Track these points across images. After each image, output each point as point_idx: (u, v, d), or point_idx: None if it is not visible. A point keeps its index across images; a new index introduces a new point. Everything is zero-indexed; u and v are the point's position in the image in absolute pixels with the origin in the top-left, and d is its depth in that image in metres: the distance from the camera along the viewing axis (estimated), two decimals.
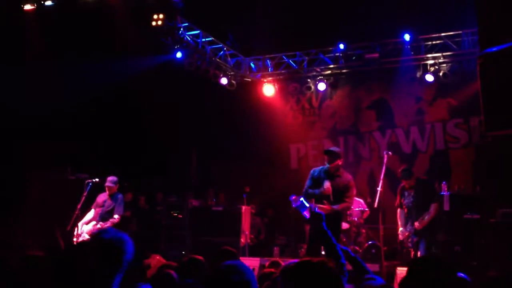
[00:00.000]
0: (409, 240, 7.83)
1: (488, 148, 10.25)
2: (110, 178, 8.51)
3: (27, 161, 10.56)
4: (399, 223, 8.06)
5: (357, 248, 9.57)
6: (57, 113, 11.02)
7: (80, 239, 8.14)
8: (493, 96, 5.36)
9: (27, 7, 9.78)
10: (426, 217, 7.62)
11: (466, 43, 10.62)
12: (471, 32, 10.38)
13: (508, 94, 5.15)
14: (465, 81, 10.83)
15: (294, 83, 13.10)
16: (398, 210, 8.12)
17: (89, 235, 8.01)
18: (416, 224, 7.65)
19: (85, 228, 8.27)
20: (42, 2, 9.60)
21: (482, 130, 9.26)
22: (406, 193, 7.97)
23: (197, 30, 11.30)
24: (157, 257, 7.36)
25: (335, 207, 6.90)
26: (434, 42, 11.00)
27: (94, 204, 8.52)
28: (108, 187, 8.45)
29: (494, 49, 5.60)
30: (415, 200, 7.82)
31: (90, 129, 11.61)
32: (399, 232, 8.01)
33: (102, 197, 8.50)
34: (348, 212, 10.03)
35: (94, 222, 8.31)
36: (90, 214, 8.44)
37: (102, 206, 8.39)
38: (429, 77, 11.07)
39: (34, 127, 10.74)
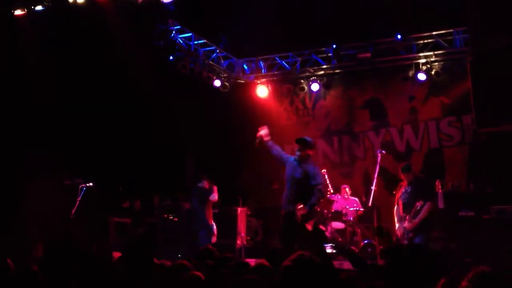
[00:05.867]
0: (405, 236, 7.86)
1: (482, 146, 10.29)
2: None
3: (22, 166, 10.52)
4: (396, 218, 8.18)
5: (353, 247, 9.58)
6: (51, 117, 11.00)
7: None
8: (483, 94, 5.40)
9: (18, 12, 9.76)
10: (416, 219, 7.66)
11: (458, 42, 10.65)
12: (462, 30, 10.42)
13: (498, 92, 5.19)
14: (457, 79, 10.85)
15: (287, 84, 13.12)
16: (395, 207, 8.22)
17: None
18: (407, 224, 7.74)
19: None
20: (33, 7, 9.58)
21: (475, 128, 9.30)
22: (403, 190, 8.05)
23: (189, 32, 11.31)
24: None
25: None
26: (425, 41, 11.03)
27: None
28: None
29: (484, 47, 5.64)
30: (410, 197, 7.89)
31: (83, 133, 11.58)
32: (396, 228, 8.10)
33: None
34: (344, 211, 10.06)
35: None
36: None
37: None
38: (422, 76, 11.09)
39: (28, 132, 10.70)
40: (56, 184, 10.07)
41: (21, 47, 10.22)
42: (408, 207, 7.92)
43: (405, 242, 7.93)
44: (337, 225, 10.06)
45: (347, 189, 10.57)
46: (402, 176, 8.13)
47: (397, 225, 8.07)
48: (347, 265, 6.66)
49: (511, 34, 5.16)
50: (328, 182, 9.95)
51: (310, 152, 7.33)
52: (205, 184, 9.90)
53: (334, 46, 11.55)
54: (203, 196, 9.75)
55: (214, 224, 9.75)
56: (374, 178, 8.36)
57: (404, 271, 2.78)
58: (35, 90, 10.58)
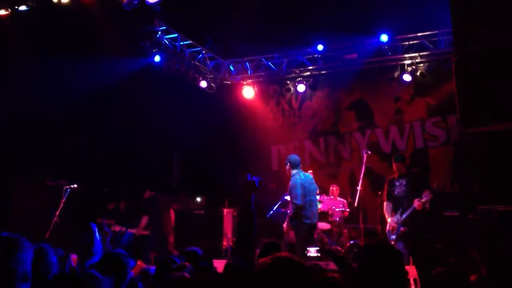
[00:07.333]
0: (394, 232, 7.80)
1: (467, 146, 10.38)
2: None
3: (7, 167, 10.41)
4: (386, 215, 8.06)
5: (339, 248, 9.59)
6: (37, 118, 10.88)
7: None
8: (468, 94, 5.43)
9: (1, 12, 9.66)
10: (424, 199, 7.56)
11: (443, 43, 10.75)
12: (446, 32, 10.50)
13: (482, 92, 5.23)
14: (442, 80, 10.95)
15: (273, 85, 13.12)
16: (385, 203, 8.10)
17: None
18: (417, 203, 7.57)
19: None
20: (16, 7, 9.49)
21: (460, 128, 9.36)
22: (397, 183, 7.95)
23: (175, 33, 11.27)
24: (138, 262, 7.29)
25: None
26: (411, 42, 11.11)
27: None
28: None
29: (468, 48, 5.68)
30: (408, 189, 7.82)
31: (69, 134, 11.48)
32: (389, 222, 7.97)
33: None
34: (330, 212, 10.08)
35: None
36: None
37: None
38: (407, 77, 11.17)
39: (12, 132, 10.59)
40: (38, 185, 9.97)
41: (4, 47, 10.10)
42: (403, 200, 7.84)
43: (392, 237, 7.84)
44: (323, 225, 10.07)
45: (334, 189, 10.56)
46: (395, 167, 8.03)
47: (389, 219, 7.96)
48: (332, 265, 6.67)
49: (496, 33, 5.21)
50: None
51: (286, 167, 7.80)
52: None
53: (321, 47, 11.60)
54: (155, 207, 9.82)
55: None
56: (360, 178, 8.38)
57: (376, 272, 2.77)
58: (20, 89, 10.48)
